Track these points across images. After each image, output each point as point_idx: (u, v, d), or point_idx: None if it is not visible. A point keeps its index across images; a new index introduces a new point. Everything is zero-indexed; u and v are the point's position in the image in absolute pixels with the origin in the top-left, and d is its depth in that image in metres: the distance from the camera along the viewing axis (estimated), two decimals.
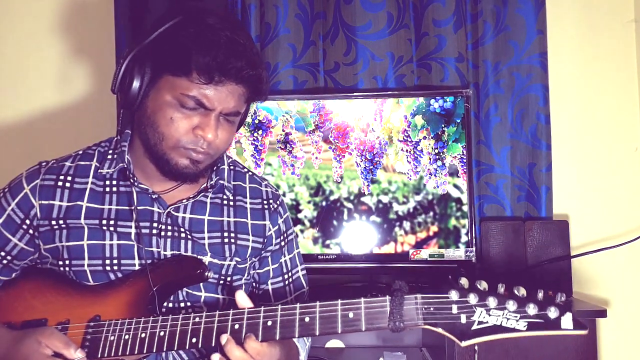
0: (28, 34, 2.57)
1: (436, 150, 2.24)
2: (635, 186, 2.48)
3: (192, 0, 2.36)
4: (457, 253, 2.23)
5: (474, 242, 2.24)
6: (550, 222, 2.33)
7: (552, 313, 1.09)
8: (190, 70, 1.36)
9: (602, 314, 2.00)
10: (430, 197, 2.25)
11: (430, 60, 2.41)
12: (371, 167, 2.25)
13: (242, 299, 1.33)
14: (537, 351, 1.98)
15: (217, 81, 1.37)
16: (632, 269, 2.45)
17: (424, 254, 2.25)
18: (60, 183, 1.51)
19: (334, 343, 2.35)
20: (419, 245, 2.25)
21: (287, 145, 2.26)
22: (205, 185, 1.56)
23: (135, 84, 1.41)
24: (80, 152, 1.59)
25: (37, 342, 1.32)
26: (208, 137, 1.41)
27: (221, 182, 1.58)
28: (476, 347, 1.96)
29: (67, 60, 2.57)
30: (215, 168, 1.58)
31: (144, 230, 1.49)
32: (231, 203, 1.60)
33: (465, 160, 2.23)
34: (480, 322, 1.12)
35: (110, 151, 1.56)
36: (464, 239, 2.23)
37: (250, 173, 1.68)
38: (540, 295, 1.11)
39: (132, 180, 1.51)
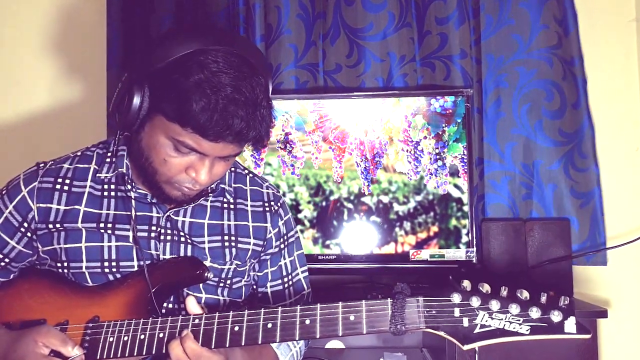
0: (23, 40, 2.58)
1: (437, 150, 2.23)
2: (635, 186, 2.47)
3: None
4: (458, 253, 2.23)
5: (474, 242, 2.23)
6: (551, 222, 2.32)
7: (556, 317, 1.08)
8: (185, 123, 1.30)
9: (603, 314, 2.00)
10: (430, 197, 2.24)
11: (433, 59, 2.39)
12: (371, 167, 2.24)
13: (192, 306, 1.34)
14: (537, 352, 1.98)
15: (212, 139, 1.31)
16: (633, 269, 2.45)
17: (425, 254, 2.24)
18: (58, 186, 1.50)
19: (333, 344, 2.34)
20: (420, 245, 2.24)
21: (287, 145, 2.26)
22: (206, 189, 1.55)
23: (133, 111, 1.36)
24: (79, 154, 1.57)
25: (33, 342, 1.32)
26: (201, 180, 1.39)
27: (222, 186, 1.57)
28: (476, 349, 1.95)
29: (62, 64, 2.58)
30: None
31: (143, 234, 1.49)
32: (232, 206, 1.59)
33: (466, 160, 2.22)
34: (482, 326, 1.12)
35: (110, 154, 1.55)
36: (464, 239, 2.23)
37: (251, 175, 1.67)
38: (544, 298, 1.10)
39: (130, 186, 1.50)
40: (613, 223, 2.44)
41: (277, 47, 2.39)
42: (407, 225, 2.25)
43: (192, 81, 1.29)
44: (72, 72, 2.56)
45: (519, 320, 1.10)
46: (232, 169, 1.64)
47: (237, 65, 1.33)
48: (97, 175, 1.52)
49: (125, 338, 1.35)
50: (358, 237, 2.26)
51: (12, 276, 1.55)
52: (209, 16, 2.34)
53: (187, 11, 2.36)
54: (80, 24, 2.56)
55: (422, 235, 2.25)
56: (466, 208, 2.23)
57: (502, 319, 1.11)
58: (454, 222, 2.23)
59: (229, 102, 1.29)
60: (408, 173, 2.24)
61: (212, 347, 1.29)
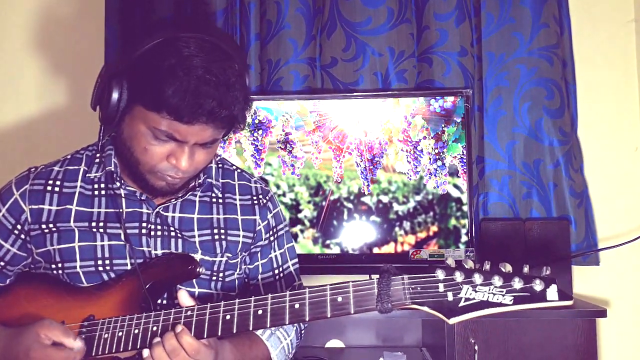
0: (20, 42, 2.61)
1: (436, 150, 2.24)
2: (635, 186, 2.47)
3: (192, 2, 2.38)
4: (457, 253, 2.23)
5: (473, 242, 2.23)
6: (549, 222, 2.32)
7: (538, 286, 1.09)
8: (160, 108, 1.34)
9: (602, 314, 2.00)
10: (430, 197, 2.24)
11: (431, 55, 2.39)
12: (371, 167, 2.25)
13: (185, 299, 1.35)
14: (537, 351, 1.98)
15: (187, 121, 1.35)
16: (632, 269, 2.44)
17: (424, 254, 2.24)
18: (49, 187, 1.53)
19: (334, 343, 2.34)
20: (419, 245, 2.25)
21: (287, 145, 2.27)
22: (193, 184, 1.57)
23: (112, 104, 1.40)
24: (69, 157, 1.61)
25: (36, 334, 1.33)
26: (182, 166, 1.42)
27: (209, 180, 1.59)
28: (476, 347, 1.96)
29: (55, 63, 2.61)
30: None
31: (133, 231, 1.51)
32: (220, 201, 1.61)
33: (465, 160, 2.23)
34: (467, 299, 1.12)
35: (98, 155, 1.58)
36: (464, 238, 2.23)
37: (238, 170, 1.70)
38: (526, 269, 1.11)
39: (119, 184, 1.52)
40: (613, 223, 2.44)
41: (277, 42, 2.40)
42: (406, 225, 2.25)
43: (165, 66, 1.33)
44: (72, 73, 2.59)
45: (502, 291, 1.10)
46: (220, 165, 1.66)
47: (209, 50, 1.38)
48: (87, 175, 1.55)
49: (120, 334, 1.36)
50: (358, 237, 2.26)
51: (8, 281, 1.57)
52: (208, 16, 2.36)
53: (186, 12, 2.38)
54: (78, 25, 2.59)
55: (422, 235, 2.25)
56: (465, 208, 2.23)
57: (485, 291, 1.11)
58: (453, 221, 2.24)
59: (200, 83, 1.33)
60: (407, 173, 2.25)
61: (205, 336, 1.30)
